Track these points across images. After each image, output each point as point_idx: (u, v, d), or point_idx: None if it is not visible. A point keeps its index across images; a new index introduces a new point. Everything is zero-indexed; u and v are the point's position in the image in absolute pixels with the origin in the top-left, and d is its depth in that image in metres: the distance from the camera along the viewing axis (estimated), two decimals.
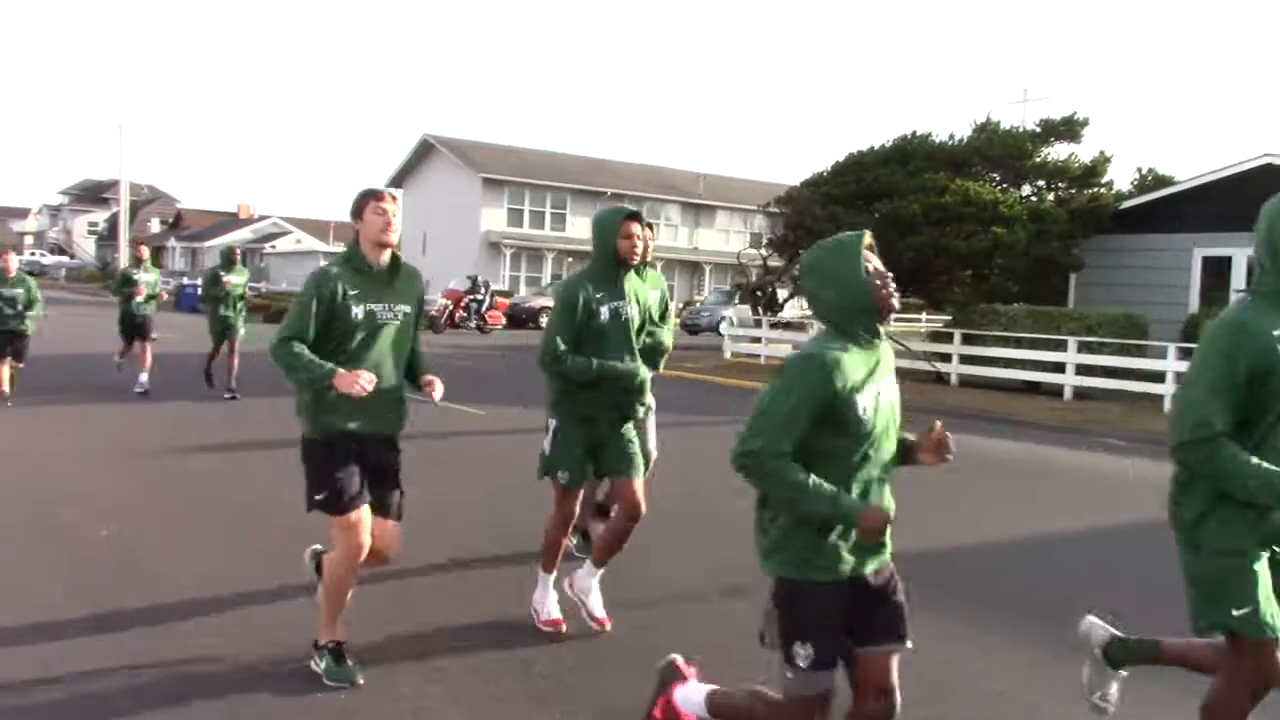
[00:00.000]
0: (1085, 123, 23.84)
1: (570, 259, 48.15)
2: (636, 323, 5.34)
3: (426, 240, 50.60)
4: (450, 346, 27.20)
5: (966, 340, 20.98)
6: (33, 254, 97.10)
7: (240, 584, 6.05)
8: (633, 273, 5.35)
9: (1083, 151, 24.09)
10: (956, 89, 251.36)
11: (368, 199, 4.55)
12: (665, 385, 20.05)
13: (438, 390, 4.73)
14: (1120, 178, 50.24)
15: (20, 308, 12.91)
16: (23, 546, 6.70)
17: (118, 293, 14.97)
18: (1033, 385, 20.03)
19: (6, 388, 12.89)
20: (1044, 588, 6.85)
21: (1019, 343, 20.00)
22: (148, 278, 14.96)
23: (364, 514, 4.55)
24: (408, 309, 4.68)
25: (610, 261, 5.21)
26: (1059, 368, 19.28)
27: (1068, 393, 18.97)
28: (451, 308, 34.98)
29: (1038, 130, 24.45)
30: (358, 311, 4.46)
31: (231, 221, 77.48)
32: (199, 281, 47.25)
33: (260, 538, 7.14)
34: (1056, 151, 24.20)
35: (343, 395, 4.30)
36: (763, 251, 29.09)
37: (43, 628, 5.19)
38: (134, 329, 14.90)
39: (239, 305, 14.66)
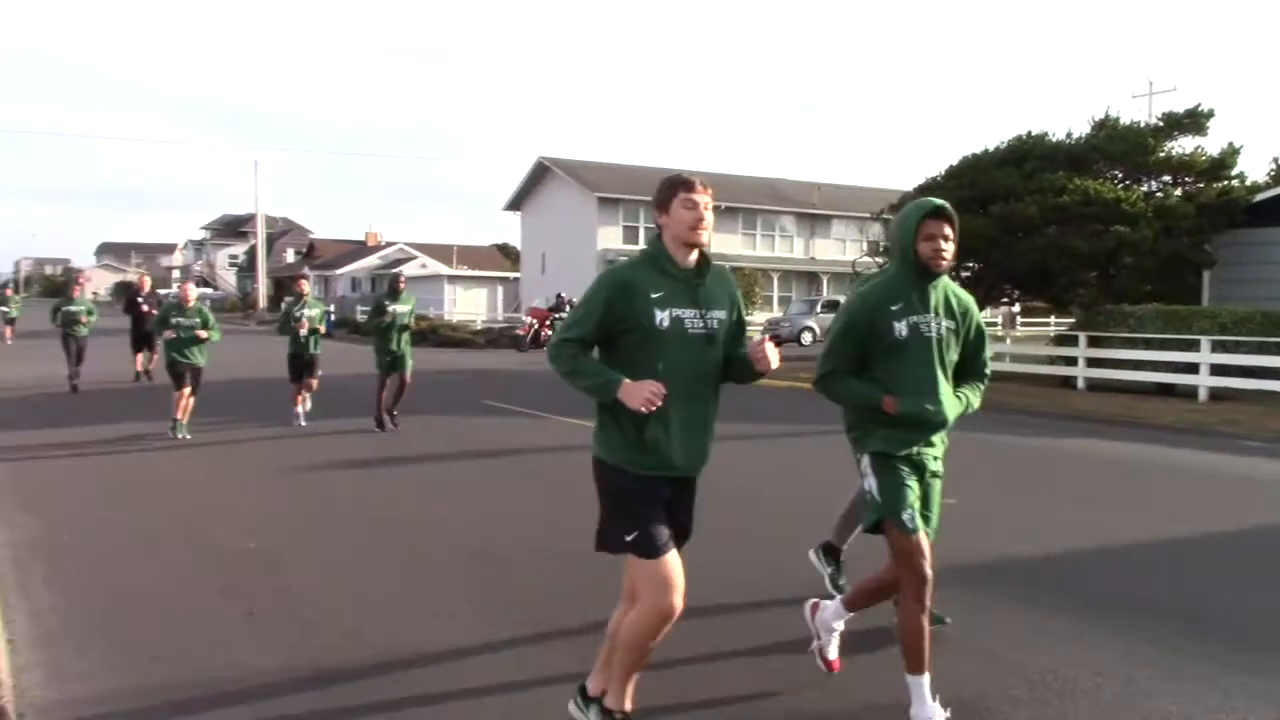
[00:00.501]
0: (1210, 114, 22.99)
1: None
2: (946, 341, 4.33)
3: (545, 260, 51.56)
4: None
5: (1093, 343, 20.43)
6: (178, 286, 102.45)
7: (375, 593, 6.44)
8: (943, 280, 4.36)
9: (1209, 144, 23.27)
10: (1074, 86, 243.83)
11: (675, 189, 4.00)
12: (776, 396, 20.21)
13: (771, 356, 3.81)
14: (1255, 169, 47.98)
15: (197, 337, 12.89)
16: (178, 559, 7.26)
17: (284, 332, 14.32)
18: (1166, 388, 19.37)
19: (183, 416, 12.85)
20: (1169, 592, 6.76)
21: (1148, 344, 19.39)
22: (310, 313, 14.31)
23: (676, 562, 3.84)
24: (722, 315, 3.92)
25: (909, 268, 4.28)
26: (1192, 368, 18.63)
27: (1202, 394, 18.31)
28: (537, 326, 35.54)
29: (1160, 124, 23.68)
30: (662, 317, 3.76)
31: (360, 249, 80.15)
32: (331, 308, 49.59)
33: (394, 550, 7.55)
34: (1181, 145, 23.39)
35: (655, 427, 3.72)
36: (878, 259, 28.83)
37: (196, 630, 5.66)
38: (302, 368, 14.38)
39: (405, 335, 13.86)
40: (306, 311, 14.20)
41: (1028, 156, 23.40)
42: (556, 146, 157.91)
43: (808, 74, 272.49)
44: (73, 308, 18.52)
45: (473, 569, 7.01)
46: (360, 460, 11.40)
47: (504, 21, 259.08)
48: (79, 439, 12.69)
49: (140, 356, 20.64)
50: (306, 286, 14.65)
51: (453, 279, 59.31)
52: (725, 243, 50.43)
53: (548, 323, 35.33)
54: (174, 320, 12.76)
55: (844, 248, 52.81)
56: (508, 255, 77.15)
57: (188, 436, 12.67)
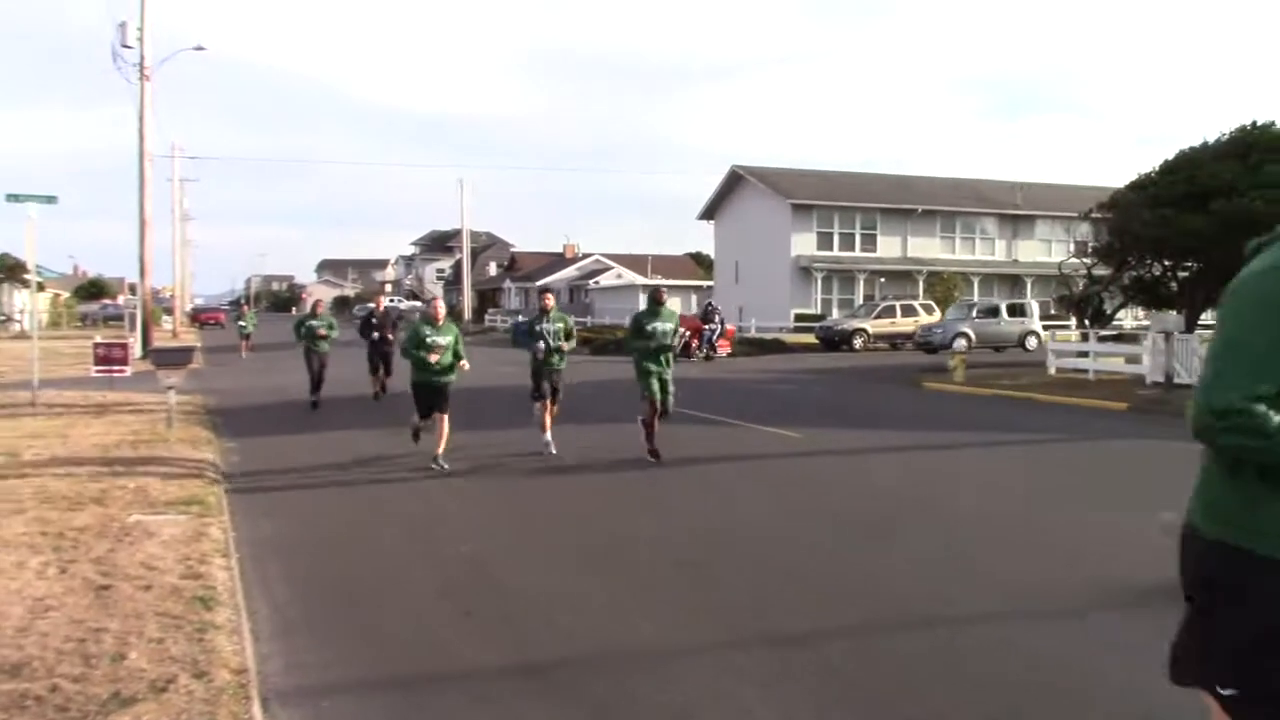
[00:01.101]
0: None
1: (882, 279, 47.53)
2: None
3: (739, 269, 51.68)
4: (763, 371, 27.72)
5: None
6: (391, 299, 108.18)
7: (583, 597, 6.69)
8: None
9: None
10: None
11: None
12: (980, 403, 19.56)
13: None
14: None
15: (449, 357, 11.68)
16: (401, 560, 7.74)
17: (523, 345, 13.41)
18: None
19: (441, 447, 11.58)
20: None
21: None
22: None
23: None
24: None
25: None
26: None
27: None
28: (688, 336, 35.25)
29: None
30: None
31: (558, 261, 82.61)
32: (520, 317, 51.25)
33: (599, 555, 7.81)
34: None
35: None
36: (1087, 260, 27.49)
37: (419, 627, 6.04)
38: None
39: (668, 355, 12.28)
40: (548, 326, 12.70)
41: (1252, 148, 21.81)
42: (750, 154, 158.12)
43: (1008, 70, 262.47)
44: (315, 323, 18.61)
45: (675, 575, 7.17)
46: (562, 468, 11.79)
47: (697, 31, 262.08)
48: (314, 447, 13.64)
49: (377, 377, 20.06)
50: (551, 301, 13.02)
51: (647, 288, 60.18)
52: (924, 246, 49.21)
53: (696, 333, 34.17)
54: (429, 339, 11.48)
55: (1049, 249, 50.53)
56: (701, 264, 77.72)
57: (445, 466, 11.32)
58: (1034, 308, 38.55)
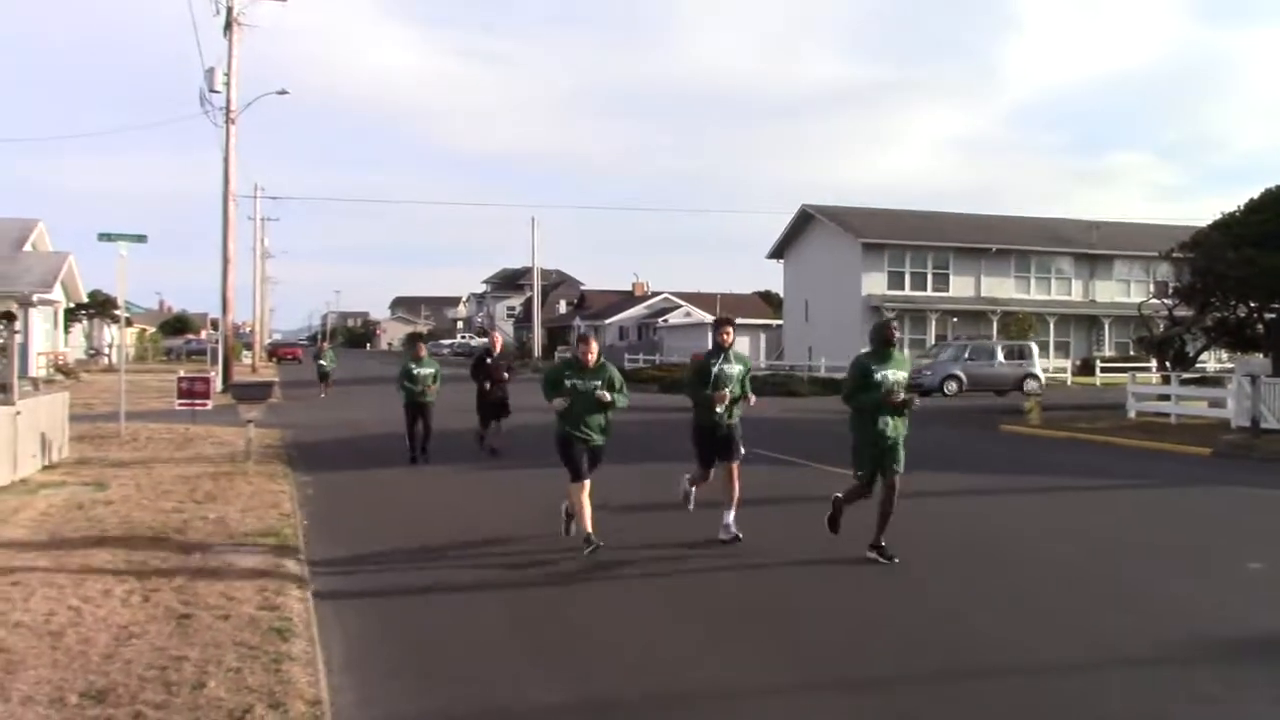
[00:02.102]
0: None
1: (955, 319, 46.95)
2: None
3: (809, 308, 51.46)
4: (833, 411, 27.44)
5: None
6: (463, 336, 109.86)
7: (652, 633, 6.66)
8: None
9: None
10: None
11: None
12: (1057, 446, 19.14)
13: None
14: None
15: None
16: (472, 595, 7.81)
17: (692, 393, 10.17)
18: None
19: (588, 522, 9.26)
20: None
21: None
22: (732, 370, 9.92)
23: None
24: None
25: None
26: None
27: None
28: None
29: None
30: None
31: (627, 299, 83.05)
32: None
33: (668, 592, 7.78)
34: None
35: None
36: (1168, 301, 26.89)
37: (489, 661, 6.08)
38: (719, 445, 10.02)
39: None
40: (725, 367, 9.82)
41: None
42: (820, 193, 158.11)
43: (1084, 108, 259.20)
44: (423, 370, 15.37)
45: (745, 615, 7.13)
46: (632, 505, 11.79)
47: (767, 69, 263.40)
48: (388, 483, 13.84)
49: (488, 430, 17.11)
50: (730, 336, 10.11)
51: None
52: (998, 286, 48.57)
53: None
54: (570, 383, 9.32)
55: (1128, 289, 49.55)
56: (770, 302, 77.54)
57: (600, 545, 8.92)
58: (1034, 350, 37.19)
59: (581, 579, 8.23)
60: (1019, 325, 45.10)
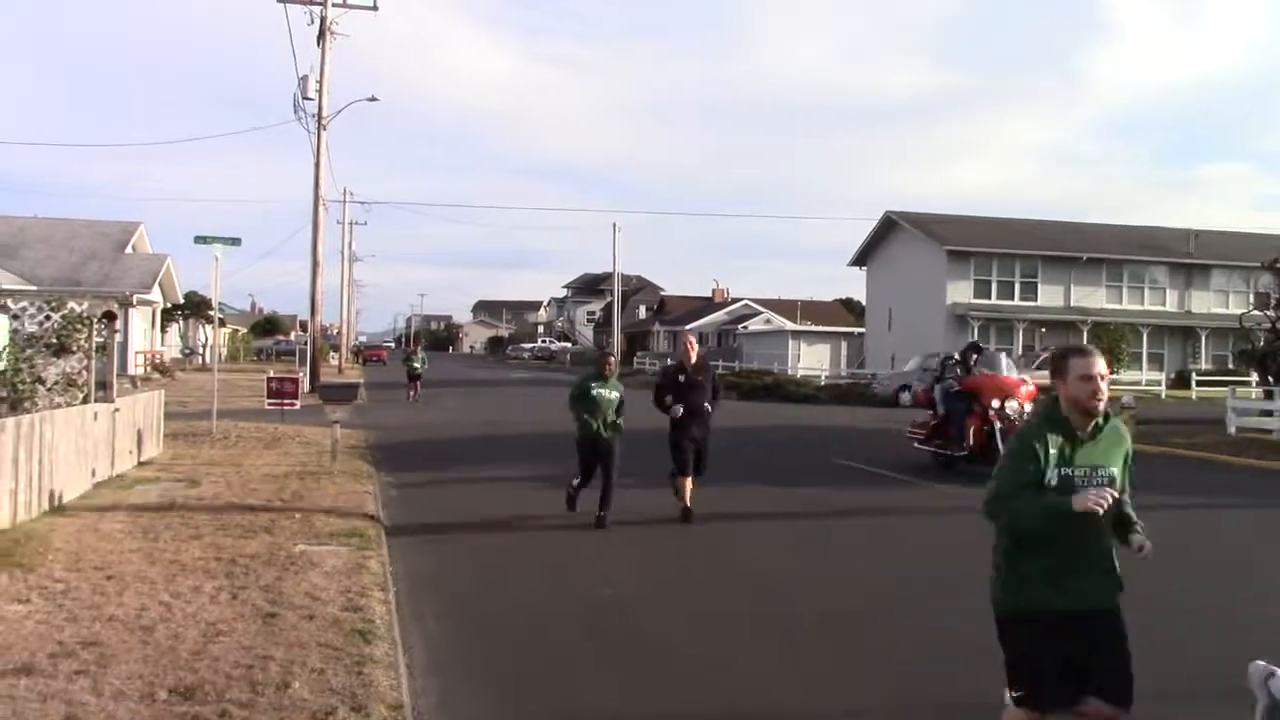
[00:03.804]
0: None
1: (1043, 329, 45.85)
2: None
3: (892, 316, 50.74)
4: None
5: None
6: (543, 340, 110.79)
7: (728, 646, 6.58)
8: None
9: None
10: None
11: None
12: (1153, 463, 18.55)
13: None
14: None
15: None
16: (546, 603, 7.79)
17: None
18: None
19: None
20: None
21: None
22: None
23: None
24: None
25: None
26: None
27: None
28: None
29: None
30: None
31: (707, 305, 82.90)
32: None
33: (746, 604, 7.68)
34: None
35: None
36: (1270, 313, 25.86)
37: (563, 669, 6.05)
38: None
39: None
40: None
41: None
42: (905, 200, 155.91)
43: (1180, 117, 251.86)
44: (607, 392, 10.75)
45: (823, 630, 7.00)
46: (714, 514, 11.68)
47: (850, 75, 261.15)
48: (469, 487, 13.95)
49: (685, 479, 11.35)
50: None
51: (796, 334, 59.73)
52: (1089, 296, 47.32)
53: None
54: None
55: (1226, 300, 47.87)
56: (852, 310, 76.72)
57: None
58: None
59: (649, 589, 8.17)
60: (1110, 336, 43.83)
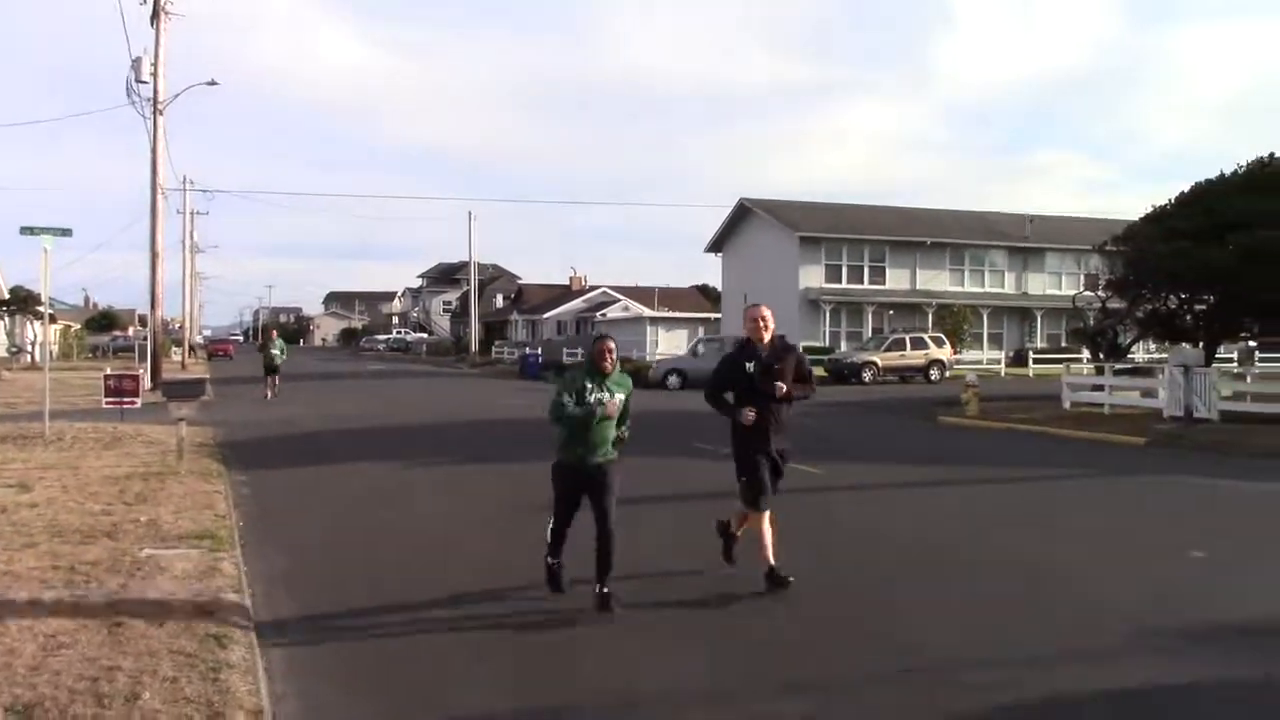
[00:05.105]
0: None
1: (891, 311, 47.44)
2: None
3: (747, 301, 51.51)
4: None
5: None
6: (398, 331, 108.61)
7: (616, 646, 6.51)
8: None
9: None
10: None
11: None
12: (996, 438, 19.38)
13: None
14: None
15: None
16: (419, 591, 7.59)
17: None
18: None
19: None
20: None
21: None
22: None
23: None
24: None
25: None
26: None
27: None
28: None
29: None
30: None
31: (565, 294, 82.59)
32: (540, 351, 51.22)
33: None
34: None
35: None
36: (1101, 293, 27.38)
37: (432, 667, 5.89)
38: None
39: None
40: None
41: (1274, 181, 21.71)
42: (758, 188, 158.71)
43: (1011, 107, 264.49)
44: (608, 395, 7.24)
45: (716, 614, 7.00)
46: None
47: (705, 63, 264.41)
48: (327, 480, 13.51)
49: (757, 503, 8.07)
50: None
51: (654, 320, 60.16)
52: (933, 279, 49.17)
53: None
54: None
55: (1060, 282, 50.49)
56: (708, 296, 77.75)
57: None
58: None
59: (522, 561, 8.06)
60: (954, 317, 45.70)
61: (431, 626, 6.65)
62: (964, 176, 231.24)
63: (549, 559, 7.29)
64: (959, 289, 49.60)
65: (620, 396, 7.21)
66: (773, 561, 7.41)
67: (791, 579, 7.31)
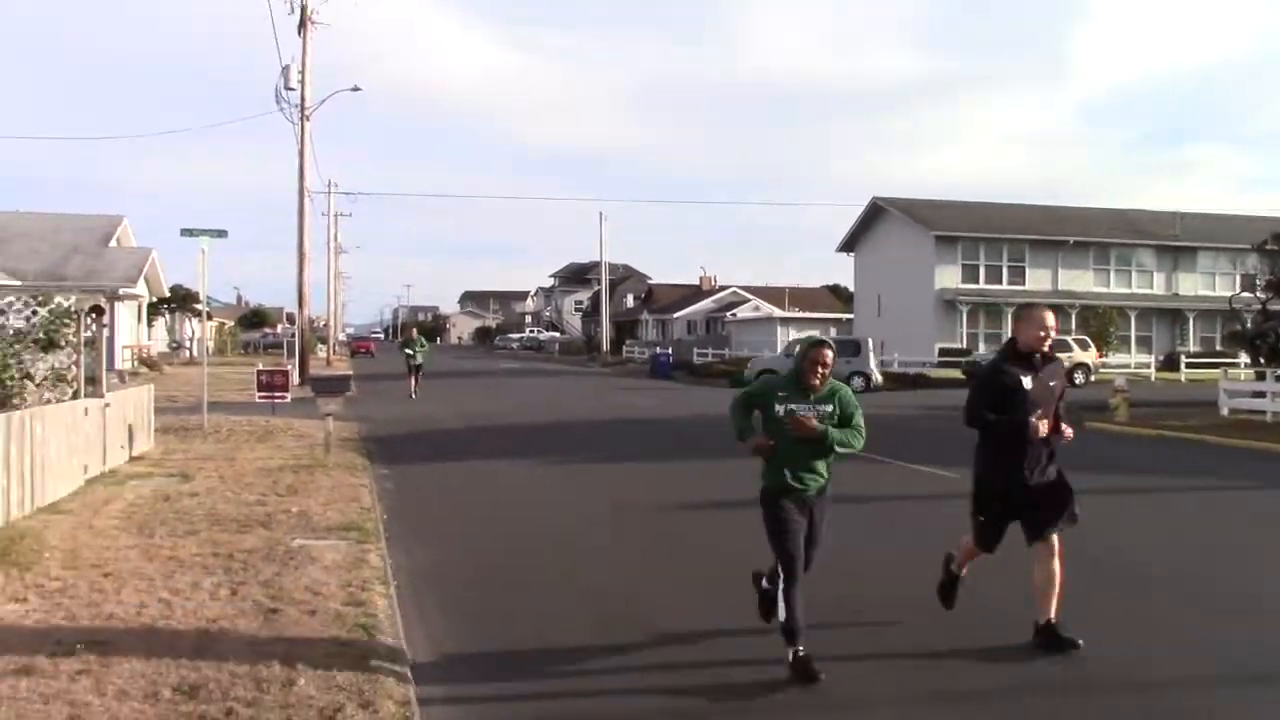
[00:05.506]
0: None
1: None
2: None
3: (880, 302, 50.75)
4: (908, 406, 27.02)
5: None
6: (531, 330, 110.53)
7: (737, 640, 6.50)
8: None
9: None
10: None
11: None
12: (1148, 446, 18.54)
13: None
14: None
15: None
16: (553, 587, 7.70)
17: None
18: None
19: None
20: None
21: None
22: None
23: None
24: None
25: None
26: None
27: None
28: None
29: None
30: None
31: (695, 293, 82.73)
32: (670, 350, 51.36)
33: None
34: None
35: None
36: (1260, 295, 25.93)
37: (569, 660, 5.97)
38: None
39: None
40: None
41: None
42: (892, 186, 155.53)
43: (1163, 100, 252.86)
44: (811, 408, 5.82)
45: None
46: (713, 501, 11.62)
47: (836, 60, 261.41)
48: (466, 476, 13.87)
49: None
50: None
51: (785, 320, 59.76)
52: (1076, 279, 47.41)
53: None
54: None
55: (1213, 282, 48.06)
56: (839, 297, 76.76)
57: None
58: (869, 345, 35.29)
59: (655, 570, 8.05)
60: (1099, 319, 43.96)
61: (580, 639, 6.74)
62: (1102, 173, 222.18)
63: (764, 583, 6.14)
64: (1104, 289, 47.71)
65: (828, 408, 5.79)
66: (1052, 616, 6.00)
67: (1080, 642, 5.91)
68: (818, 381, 5.75)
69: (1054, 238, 47.50)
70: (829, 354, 5.79)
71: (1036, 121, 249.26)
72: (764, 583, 6.16)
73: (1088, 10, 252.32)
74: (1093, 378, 36.67)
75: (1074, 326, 43.74)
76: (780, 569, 5.72)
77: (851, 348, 35.44)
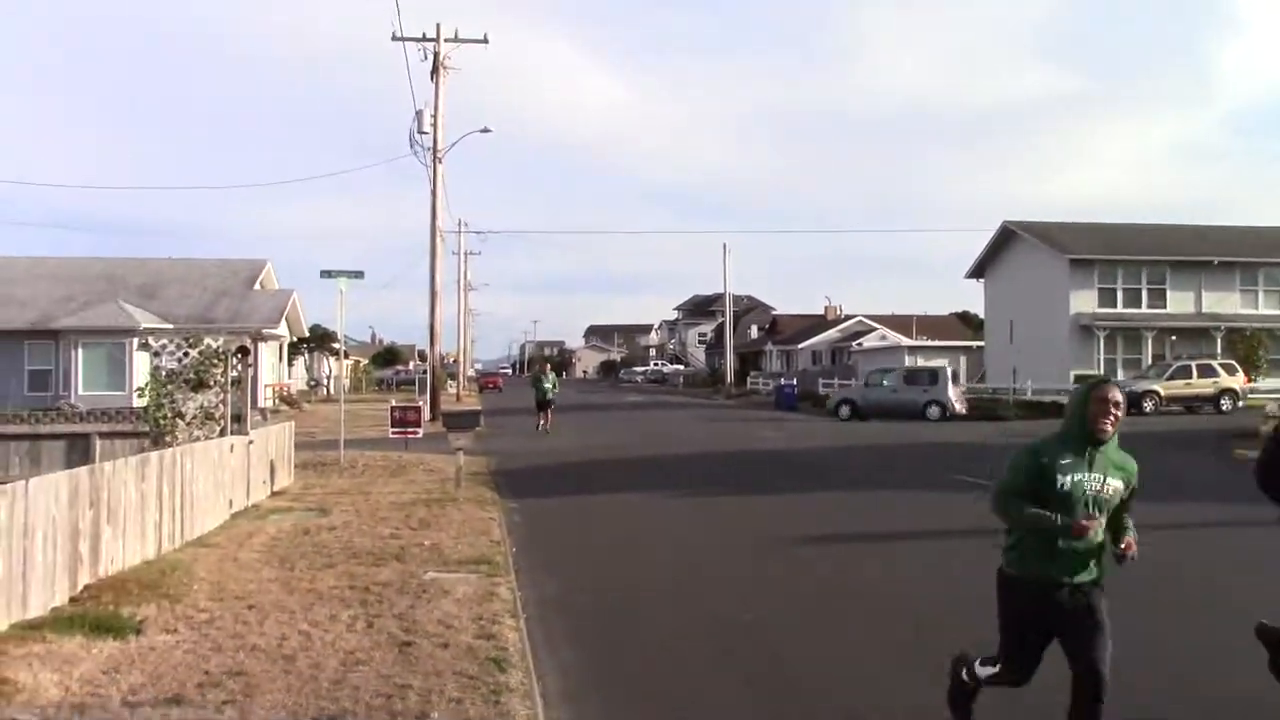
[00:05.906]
0: None
1: (1173, 337, 43.95)
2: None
3: (1013, 328, 49.35)
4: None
5: None
6: (655, 363, 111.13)
7: (869, 674, 6.37)
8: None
9: None
10: None
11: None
12: None
13: None
14: None
15: None
16: (681, 620, 7.69)
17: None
18: None
19: None
20: None
21: None
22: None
23: None
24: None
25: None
26: None
27: None
28: None
29: None
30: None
31: (819, 323, 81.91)
32: (795, 381, 50.92)
33: (895, 629, 7.45)
34: None
35: None
36: None
37: (699, 695, 5.93)
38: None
39: None
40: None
41: None
42: (1019, 211, 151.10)
43: None
44: (1090, 479, 4.62)
45: None
46: (842, 535, 11.46)
47: (960, 84, 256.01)
48: (593, 511, 13.99)
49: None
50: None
51: (913, 349, 58.65)
52: (1221, 301, 45.21)
53: None
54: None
55: None
56: (969, 324, 74.89)
57: None
58: (947, 374, 36.48)
59: (787, 611, 7.95)
60: (1246, 343, 41.78)
61: (682, 648, 6.71)
62: (1248, 190, 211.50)
63: (964, 676, 5.07)
64: (1252, 311, 45.31)
65: (1117, 485, 4.63)
66: None
67: None
68: (1110, 427, 4.56)
69: (1197, 258, 45.39)
70: (1118, 393, 4.65)
71: (1175, 138, 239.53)
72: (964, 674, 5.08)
73: (1234, 19, 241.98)
74: (1241, 403, 34.85)
75: (1220, 350, 41.69)
76: (1004, 655, 4.84)
77: (928, 376, 34.94)
